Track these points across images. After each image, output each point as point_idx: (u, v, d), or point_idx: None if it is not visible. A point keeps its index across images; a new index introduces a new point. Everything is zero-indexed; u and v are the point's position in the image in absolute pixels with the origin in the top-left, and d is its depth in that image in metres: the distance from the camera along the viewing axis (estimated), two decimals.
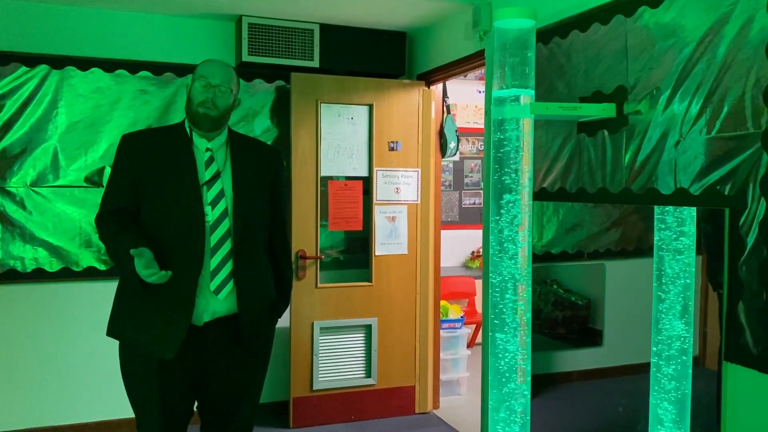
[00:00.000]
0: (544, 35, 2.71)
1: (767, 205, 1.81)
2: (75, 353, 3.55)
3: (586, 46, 2.51)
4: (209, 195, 2.13)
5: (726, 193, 1.94)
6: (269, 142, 3.88)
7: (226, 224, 2.13)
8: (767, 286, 1.82)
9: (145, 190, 2.12)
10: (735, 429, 1.94)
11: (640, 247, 2.33)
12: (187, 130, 2.20)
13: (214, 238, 2.11)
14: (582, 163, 2.54)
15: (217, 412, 2.26)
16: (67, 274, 3.53)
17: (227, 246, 2.12)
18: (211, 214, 2.11)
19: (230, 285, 2.12)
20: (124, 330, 2.15)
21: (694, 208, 2.06)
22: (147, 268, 1.94)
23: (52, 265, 3.50)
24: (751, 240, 1.86)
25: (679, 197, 2.10)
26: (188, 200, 2.10)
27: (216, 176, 2.15)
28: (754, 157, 1.85)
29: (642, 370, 2.22)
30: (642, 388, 2.22)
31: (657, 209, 2.17)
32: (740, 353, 1.90)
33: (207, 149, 2.18)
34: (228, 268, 2.12)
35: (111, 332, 2.19)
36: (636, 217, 2.35)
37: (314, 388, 3.78)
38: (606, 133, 2.41)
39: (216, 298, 2.11)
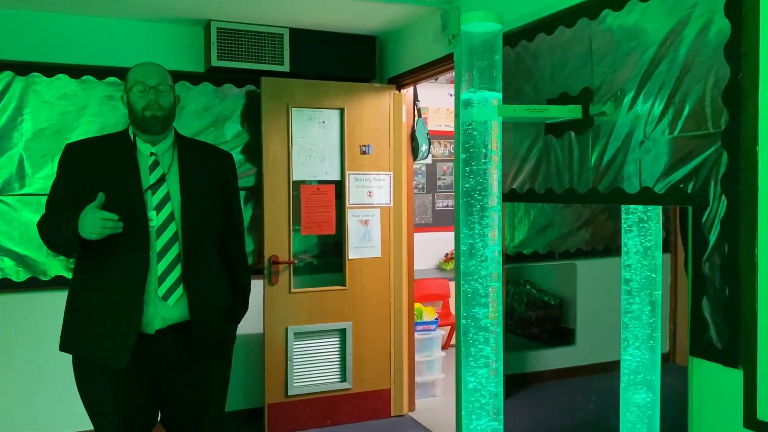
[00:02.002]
0: (511, 38, 2.75)
1: (728, 202, 1.85)
2: (43, 364, 3.49)
3: (552, 49, 2.55)
4: (154, 199, 2.09)
5: (689, 191, 1.98)
6: (240, 147, 3.86)
7: (172, 228, 2.09)
8: (730, 282, 1.86)
9: (87, 199, 2.06)
10: (701, 422, 1.98)
11: (610, 246, 2.36)
12: (131, 135, 2.17)
13: (160, 243, 2.07)
14: (550, 164, 2.57)
15: (180, 423, 2.22)
16: (34, 284, 3.47)
17: (175, 250, 2.09)
18: (155, 219, 2.08)
19: (179, 290, 2.09)
20: (75, 342, 2.12)
21: (660, 207, 2.10)
22: (98, 217, 1.91)
23: (19, 275, 3.44)
24: (713, 237, 1.90)
25: (644, 196, 2.14)
26: (129, 206, 2.05)
27: (161, 180, 2.12)
28: (714, 156, 1.90)
29: (613, 367, 2.25)
30: (613, 385, 2.25)
31: (623, 208, 2.21)
32: (705, 348, 1.94)
33: (151, 153, 2.14)
34: (176, 273, 2.08)
35: (63, 347, 2.15)
36: (605, 216, 2.39)
37: (289, 393, 3.76)
38: (573, 134, 2.45)
39: (165, 304, 2.07)
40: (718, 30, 1.88)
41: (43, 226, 2.13)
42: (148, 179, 2.11)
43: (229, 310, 2.28)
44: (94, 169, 2.11)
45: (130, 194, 2.07)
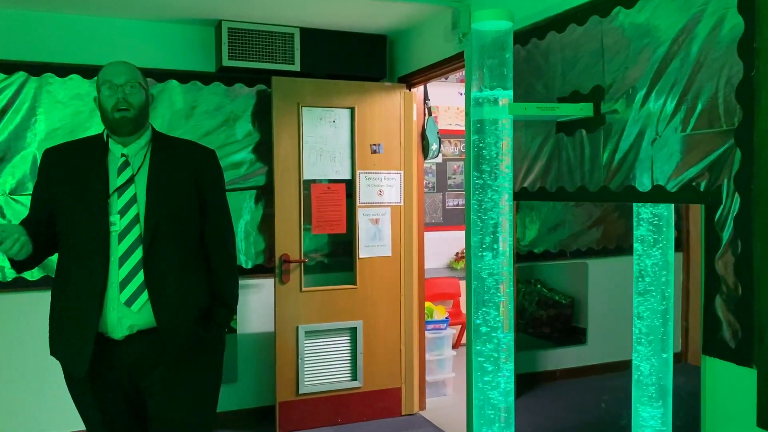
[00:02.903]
0: (521, 36, 2.74)
1: (741, 200, 1.84)
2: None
3: (563, 47, 2.54)
4: (120, 202, 2.03)
5: (701, 189, 1.97)
6: (251, 147, 3.87)
7: (136, 232, 2.01)
8: (743, 280, 1.85)
9: (57, 204, 2.06)
10: (715, 422, 1.97)
11: (621, 245, 2.36)
12: (105, 137, 2.12)
13: (122, 247, 2.00)
14: (561, 162, 2.57)
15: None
16: (49, 283, 3.47)
17: (137, 254, 2.01)
18: (119, 223, 2.01)
19: (144, 296, 2.00)
20: (51, 348, 2.13)
21: (672, 205, 2.09)
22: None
23: (34, 274, 3.47)
24: (726, 235, 1.89)
25: (656, 194, 2.13)
26: (91, 210, 2.01)
27: (129, 181, 2.05)
28: (727, 153, 1.88)
29: (625, 366, 2.24)
30: (625, 384, 2.24)
31: (635, 206, 2.20)
32: (718, 347, 1.93)
33: (122, 155, 2.09)
34: (139, 278, 2.00)
35: (51, 351, 2.15)
36: (616, 215, 2.38)
37: (300, 392, 3.77)
38: (584, 132, 2.44)
39: (130, 311, 2.00)
40: (732, 27, 1.87)
41: None
42: (116, 181, 2.05)
43: (206, 317, 2.15)
44: (64, 174, 2.08)
45: (93, 198, 2.02)
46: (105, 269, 1.99)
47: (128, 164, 2.08)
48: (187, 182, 2.13)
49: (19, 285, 3.44)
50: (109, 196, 2.03)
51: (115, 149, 2.10)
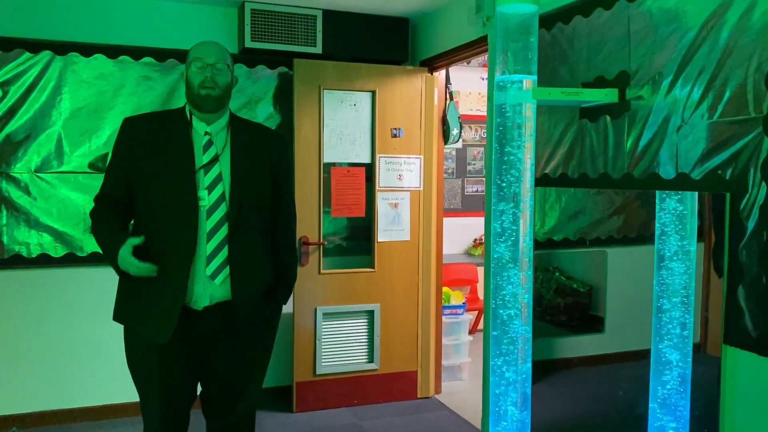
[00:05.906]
0: (546, 20, 2.71)
1: None
2: (80, 338, 3.58)
3: (589, 32, 2.51)
4: (206, 179, 2.10)
5: (727, 177, 1.94)
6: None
7: (222, 209, 2.10)
8: (767, 270, 1.83)
9: (140, 174, 2.11)
10: (734, 412, 1.96)
11: (642, 234, 2.34)
12: (187, 113, 2.18)
13: (210, 223, 2.09)
14: (584, 148, 2.54)
15: (218, 399, 2.26)
16: (71, 260, 3.55)
17: (223, 231, 2.09)
18: (207, 199, 2.09)
19: (226, 270, 2.10)
20: (125, 315, 2.17)
21: (696, 193, 2.07)
22: (135, 263, 2.01)
23: (57, 251, 3.53)
24: (751, 224, 1.87)
25: (681, 182, 2.10)
26: (182, 184, 2.07)
27: (214, 160, 2.12)
28: (755, 141, 1.86)
29: (643, 356, 2.24)
30: (643, 373, 2.23)
31: (658, 194, 2.18)
32: (740, 337, 1.92)
33: (206, 133, 2.15)
34: (224, 253, 2.09)
35: (116, 317, 2.20)
36: (638, 203, 2.36)
37: (317, 372, 3.81)
38: (608, 118, 2.42)
39: (213, 283, 2.09)
40: (763, 12, 1.83)
41: (93, 224, 2.17)
42: (202, 159, 2.12)
43: (271, 293, 2.27)
44: (149, 146, 2.13)
45: (182, 173, 2.08)
46: (194, 243, 2.07)
47: (212, 143, 2.15)
48: (264, 165, 2.23)
49: (42, 261, 3.50)
50: (196, 172, 2.10)
51: (199, 127, 2.16)
